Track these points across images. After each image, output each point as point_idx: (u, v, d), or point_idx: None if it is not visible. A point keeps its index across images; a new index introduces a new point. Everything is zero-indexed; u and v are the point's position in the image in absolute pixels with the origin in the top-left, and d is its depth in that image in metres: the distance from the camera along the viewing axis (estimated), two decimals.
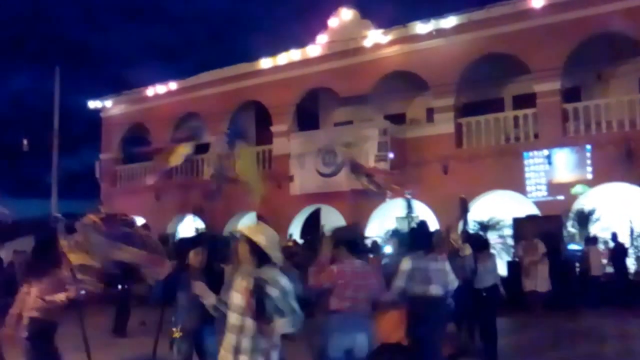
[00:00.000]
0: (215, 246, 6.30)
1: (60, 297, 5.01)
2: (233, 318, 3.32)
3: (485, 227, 14.46)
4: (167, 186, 20.52)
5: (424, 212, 14.61)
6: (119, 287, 10.12)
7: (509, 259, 13.28)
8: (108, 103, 22.51)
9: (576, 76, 14.60)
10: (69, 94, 36.31)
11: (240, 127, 7.84)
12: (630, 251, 12.95)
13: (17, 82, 53.25)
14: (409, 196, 8.13)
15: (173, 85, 20.67)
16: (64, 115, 21.53)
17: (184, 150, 6.49)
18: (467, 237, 8.24)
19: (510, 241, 13.76)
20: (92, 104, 22.61)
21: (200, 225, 18.67)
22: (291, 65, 17.99)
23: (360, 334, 4.63)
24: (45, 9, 56.21)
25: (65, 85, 21.07)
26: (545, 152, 14.21)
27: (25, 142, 21.56)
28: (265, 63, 18.46)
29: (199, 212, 18.92)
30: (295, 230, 17.61)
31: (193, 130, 7.07)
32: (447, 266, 5.81)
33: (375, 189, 8.59)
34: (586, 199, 13.86)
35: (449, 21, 15.43)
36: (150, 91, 21.16)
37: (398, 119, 17.23)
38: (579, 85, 15.18)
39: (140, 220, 20.82)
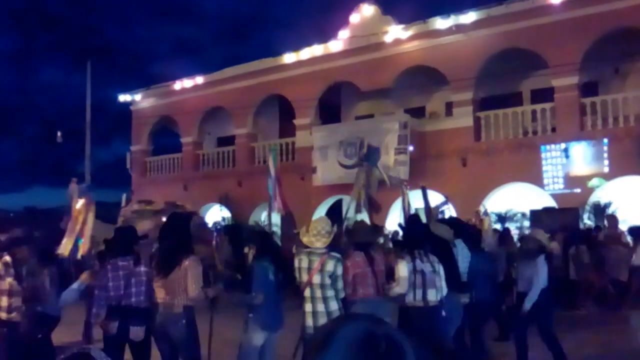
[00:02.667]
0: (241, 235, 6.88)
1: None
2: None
3: (502, 218, 14.83)
4: (195, 176, 21.28)
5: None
6: None
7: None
8: (138, 97, 23.22)
9: (594, 71, 14.76)
10: (101, 87, 37.52)
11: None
12: None
13: (51, 77, 54.88)
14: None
15: (200, 80, 21.24)
16: (96, 109, 22.55)
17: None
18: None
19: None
20: (123, 98, 23.35)
21: (227, 214, 19.41)
22: (314, 60, 18.42)
23: (387, 319, 5.06)
24: (78, 6, 57.56)
25: (97, 80, 21.92)
26: (563, 145, 14.42)
27: (59, 133, 22.55)
28: (288, 58, 18.91)
29: (225, 202, 19.69)
30: None
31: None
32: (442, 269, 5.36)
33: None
34: (603, 192, 14.06)
35: (469, 17, 15.68)
36: (177, 85, 21.77)
37: (418, 112, 17.56)
38: (597, 80, 15.33)
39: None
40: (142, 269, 5.13)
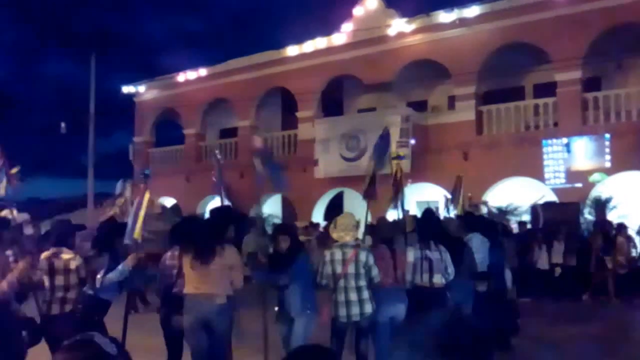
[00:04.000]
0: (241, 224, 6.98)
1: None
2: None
3: (504, 212, 14.85)
4: (197, 168, 21.35)
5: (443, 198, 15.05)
6: None
7: None
8: (141, 88, 23.27)
9: (597, 66, 14.73)
10: (105, 79, 37.56)
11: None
12: None
13: (55, 68, 54.99)
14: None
15: (203, 72, 21.29)
16: (99, 100, 22.52)
17: None
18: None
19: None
20: (126, 89, 23.41)
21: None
22: (317, 53, 18.45)
23: (401, 304, 5.59)
24: None
25: (101, 71, 21.93)
26: (565, 140, 14.45)
27: (63, 125, 22.60)
28: (292, 51, 18.94)
29: (226, 194, 19.74)
30: (319, 213, 18.22)
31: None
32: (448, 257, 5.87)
33: None
34: (604, 187, 14.09)
35: (472, 10, 15.69)
36: (181, 77, 21.82)
37: (420, 106, 17.59)
38: (599, 75, 15.30)
39: (171, 201, 21.75)
40: None
